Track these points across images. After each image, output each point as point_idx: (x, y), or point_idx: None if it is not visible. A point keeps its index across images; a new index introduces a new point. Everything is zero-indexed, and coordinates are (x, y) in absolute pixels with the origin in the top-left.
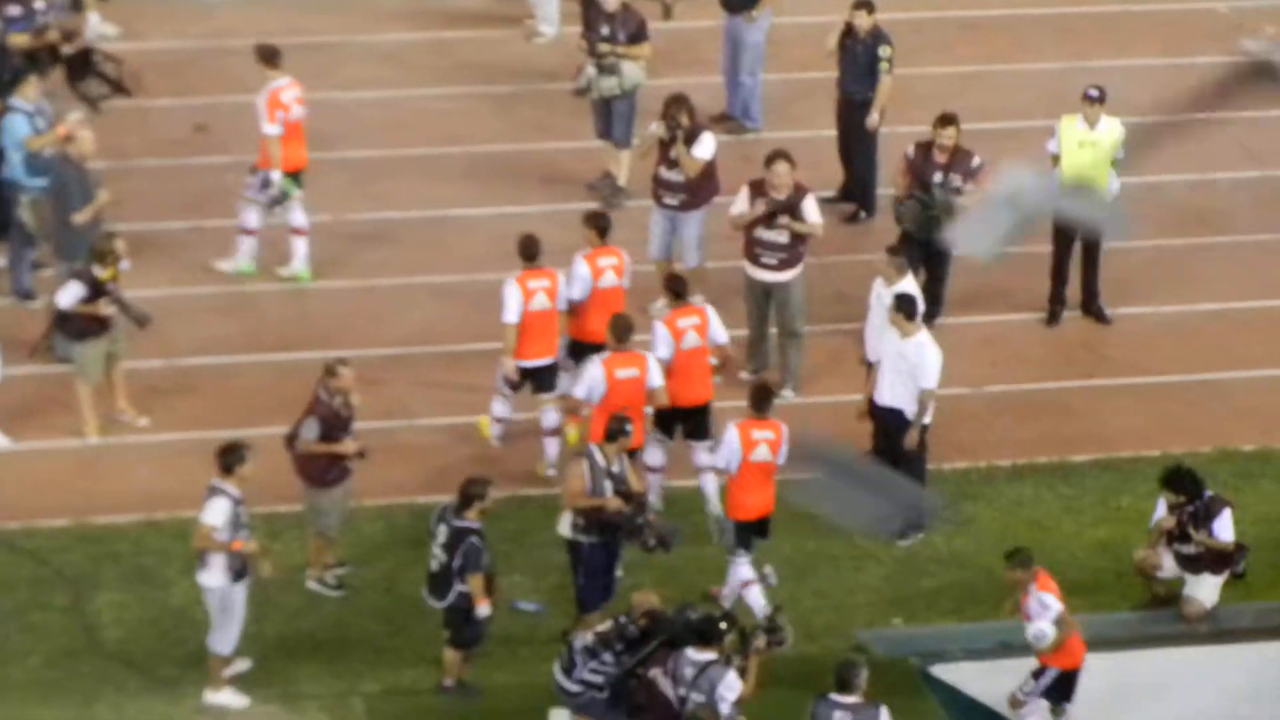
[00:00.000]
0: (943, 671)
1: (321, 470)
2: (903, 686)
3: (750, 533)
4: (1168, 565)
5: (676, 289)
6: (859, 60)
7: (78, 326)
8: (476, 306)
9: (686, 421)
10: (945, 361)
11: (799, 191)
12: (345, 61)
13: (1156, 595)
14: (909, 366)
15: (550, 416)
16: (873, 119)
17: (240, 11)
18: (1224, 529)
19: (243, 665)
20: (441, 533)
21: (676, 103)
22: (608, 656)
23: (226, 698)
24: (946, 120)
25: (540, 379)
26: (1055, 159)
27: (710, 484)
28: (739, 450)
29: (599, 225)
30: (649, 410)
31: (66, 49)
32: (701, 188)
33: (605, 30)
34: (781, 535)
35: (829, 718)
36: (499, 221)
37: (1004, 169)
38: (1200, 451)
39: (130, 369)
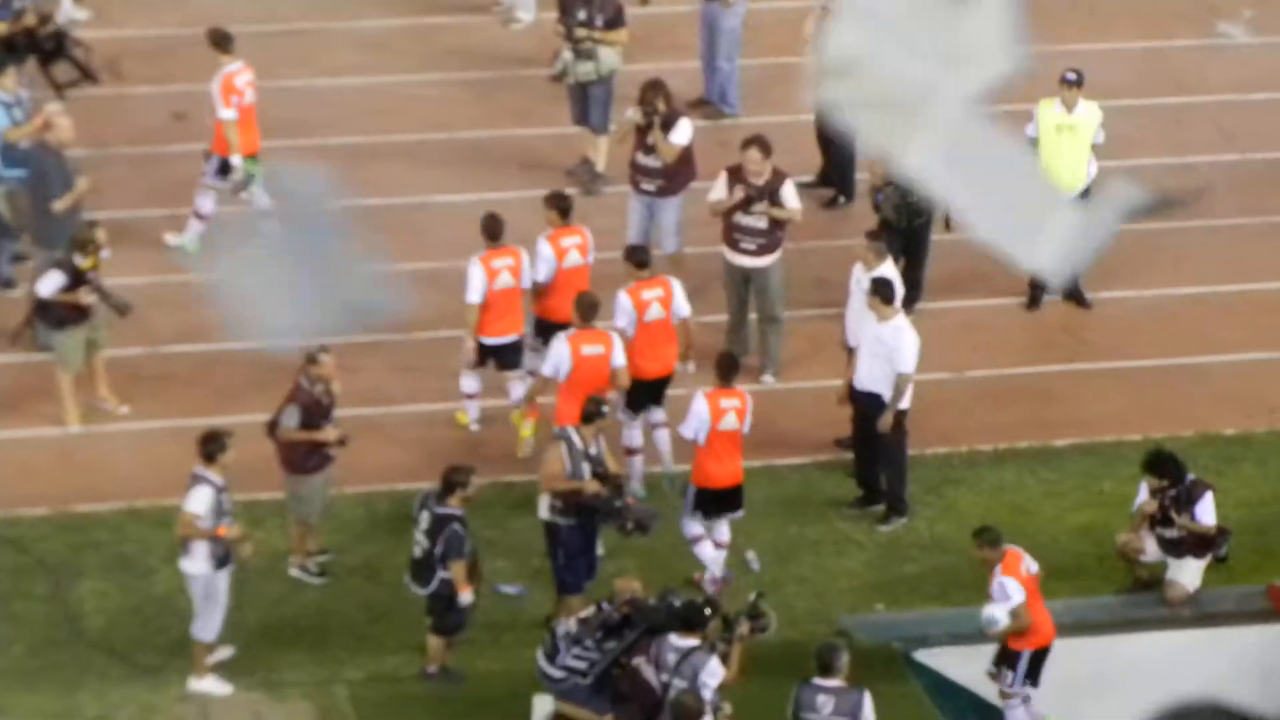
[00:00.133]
0: (926, 656)
1: (302, 458)
2: (886, 672)
3: (720, 503)
4: (1150, 549)
5: (640, 260)
6: None
7: (57, 315)
8: (457, 293)
9: (650, 394)
10: (926, 347)
11: (777, 177)
12: (324, 48)
13: (1139, 579)
14: (886, 350)
15: (517, 390)
16: None
17: None
18: (1206, 513)
19: (225, 653)
20: (424, 519)
21: (653, 88)
22: (590, 642)
23: (210, 685)
24: None
25: (504, 356)
26: (1033, 143)
27: (664, 442)
28: (708, 420)
29: (560, 206)
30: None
31: (42, 32)
32: (679, 173)
33: (582, 15)
34: (763, 521)
35: (812, 702)
36: (478, 208)
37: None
38: (1181, 435)
39: (111, 357)
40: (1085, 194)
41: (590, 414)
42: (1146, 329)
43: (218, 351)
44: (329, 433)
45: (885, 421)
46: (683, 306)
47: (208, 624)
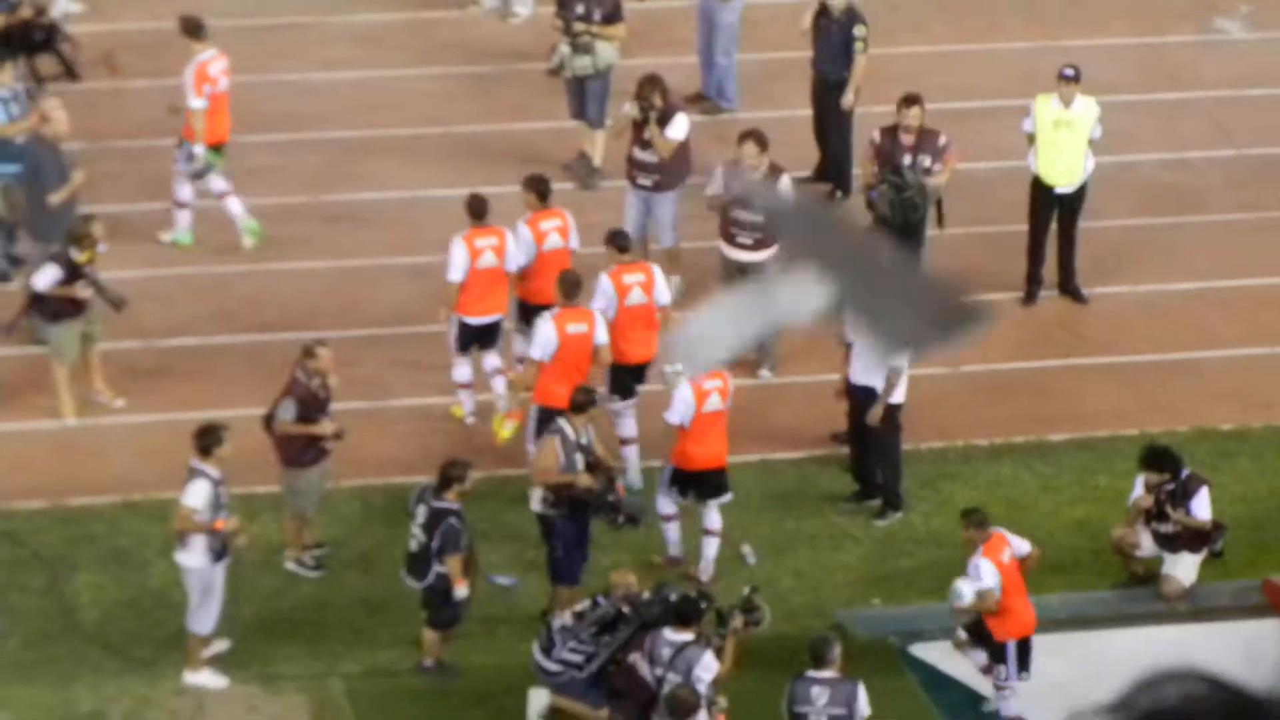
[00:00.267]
0: (922, 650)
1: (299, 451)
2: (881, 666)
3: (699, 485)
4: (1146, 544)
5: (621, 244)
6: (834, 40)
7: (53, 308)
8: None
9: (634, 377)
10: None
11: (774, 172)
12: (319, 42)
13: (1134, 574)
14: None
15: (491, 360)
16: (848, 99)
17: None
18: (1201, 508)
19: (221, 646)
20: (420, 513)
21: (650, 83)
22: (586, 636)
23: (205, 678)
24: (910, 100)
25: (486, 336)
26: (1031, 138)
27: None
28: (693, 404)
29: (539, 189)
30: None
31: (36, 24)
32: (675, 168)
33: (580, 9)
34: (759, 515)
35: (807, 695)
36: None
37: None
38: (1177, 430)
39: (107, 350)
40: (1081, 190)
41: (580, 404)
42: (1142, 324)
43: (213, 345)
44: (325, 426)
45: (874, 415)
46: (663, 294)
47: (203, 617)
